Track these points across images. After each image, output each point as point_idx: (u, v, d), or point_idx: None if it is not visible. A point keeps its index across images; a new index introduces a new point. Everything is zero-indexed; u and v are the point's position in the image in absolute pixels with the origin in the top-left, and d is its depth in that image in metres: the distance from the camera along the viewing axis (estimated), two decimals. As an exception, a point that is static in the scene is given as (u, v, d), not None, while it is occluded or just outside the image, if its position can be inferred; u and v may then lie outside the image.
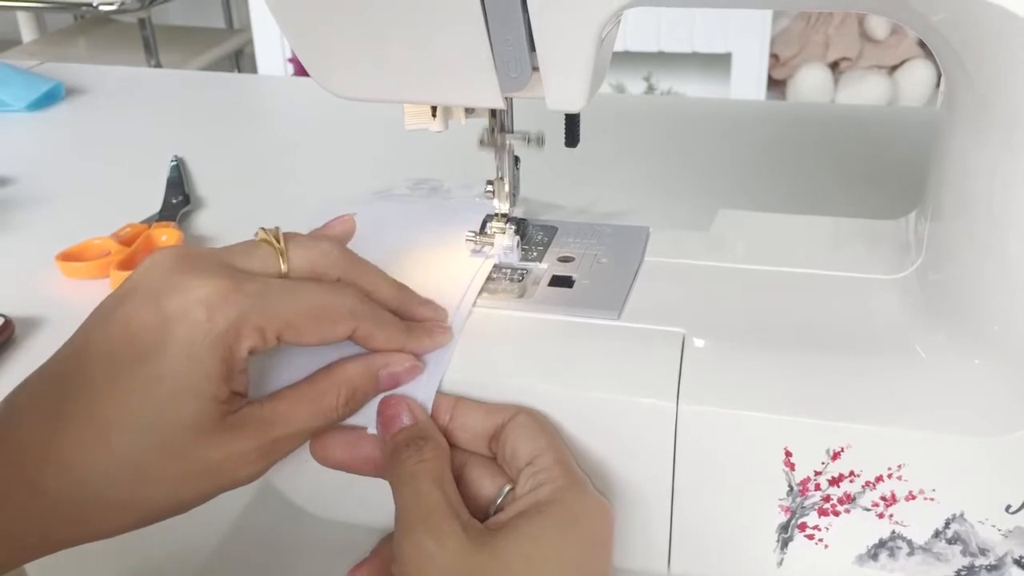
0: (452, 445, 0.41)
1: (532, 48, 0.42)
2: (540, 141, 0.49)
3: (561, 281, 0.48)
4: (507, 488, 0.40)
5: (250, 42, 2.40)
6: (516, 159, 0.51)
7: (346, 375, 0.41)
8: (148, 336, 0.36)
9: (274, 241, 0.41)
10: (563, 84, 0.42)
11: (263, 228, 0.42)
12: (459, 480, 0.41)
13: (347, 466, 0.43)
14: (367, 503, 0.45)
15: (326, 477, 0.44)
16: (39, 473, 0.35)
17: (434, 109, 0.49)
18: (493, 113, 0.49)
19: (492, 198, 0.52)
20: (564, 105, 0.43)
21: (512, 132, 0.50)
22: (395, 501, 0.38)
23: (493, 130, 0.49)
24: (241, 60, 2.84)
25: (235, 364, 0.37)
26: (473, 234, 0.51)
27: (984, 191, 0.40)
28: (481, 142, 0.50)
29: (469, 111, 0.49)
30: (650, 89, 2.22)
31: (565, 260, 0.50)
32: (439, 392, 0.43)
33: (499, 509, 0.40)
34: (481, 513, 0.39)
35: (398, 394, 0.42)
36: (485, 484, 0.41)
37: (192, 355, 0.36)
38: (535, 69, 0.43)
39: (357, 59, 0.44)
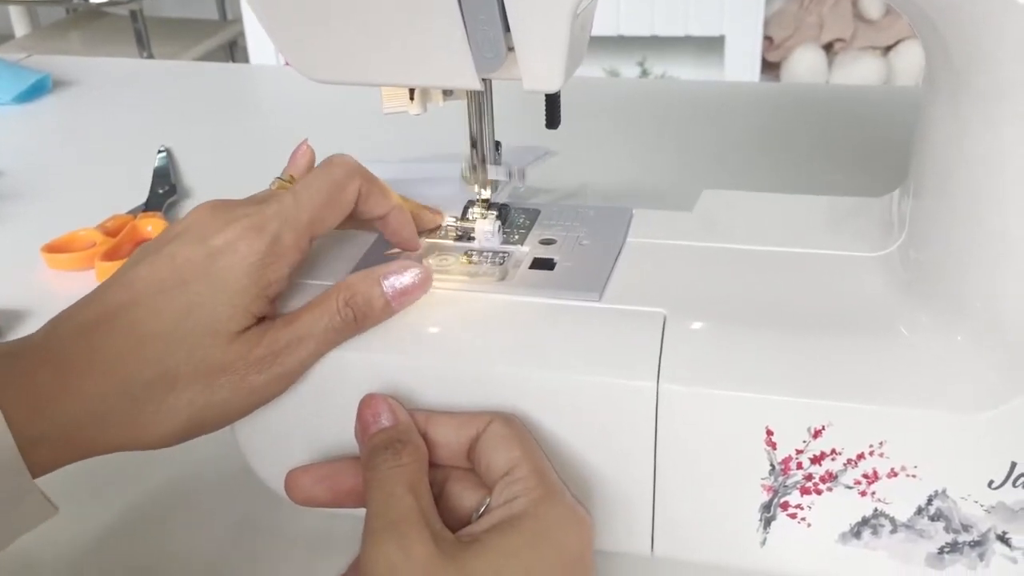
0: (430, 463, 0.41)
1: (507, 28, 0.41)
2: (522, 176, 0.50)
3: (542, 263, 0.48)
4: (488, 501, 0.39)
5: (243, 33, 2.39)
6: (497, 144, 0.51)
7: (346, 281, 0.43)
8: (193, 266, 0.40)
9: (290, 186, 0.44)
10: (539, 64, 0.42)
11: (279, 177, 0.45)
12: (440, 495, 0.41)
13: (329, 502, 0.43)
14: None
15: (300, 462, 0.44)
16: (81, 379, 0.38)
17: (412, 92, 0.49)
18: (471, 95, 0.49)
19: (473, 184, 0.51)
20: (540, 85, 0.43)
21: (497, 164, 0.50)
22: (367, 505, 0.38)
23: (475, 167, 0.50)
24: (235, 51, 2.83)
25: (272, 288, 0.41)
26: (454, 219, 0.51)
27: (963, 167, 0.40)
28: (463, 177, 0.50)
29: (447, 93, 0.49)
30: (644, 73, 2.21)
31: (547, 242, 0.50)
32: (411, 409, 0.42)
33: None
34: (462, 527, 0.39)
35: (379, 394, 0.42)
36: (466, 497, 0.41)
37: (233, 277, 0.40)
38: (511, 49, 0.42)
39: (331, 42, 0.44)
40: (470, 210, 0.51)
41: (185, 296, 0.40)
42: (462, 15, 0.41)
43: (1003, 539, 0.40)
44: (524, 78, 0.43)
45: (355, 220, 0.46)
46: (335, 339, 0.42)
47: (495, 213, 0.50)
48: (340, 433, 0.44)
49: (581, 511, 0.39)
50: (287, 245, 0.41)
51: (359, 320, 0.43)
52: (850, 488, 0.40)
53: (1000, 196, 0.39)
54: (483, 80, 0.44)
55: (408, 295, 0.44)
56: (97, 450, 0.40)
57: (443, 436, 0.41)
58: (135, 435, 0.40)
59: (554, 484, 0.39)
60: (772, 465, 0.40)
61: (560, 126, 0.49)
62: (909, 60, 2.16)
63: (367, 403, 0.42)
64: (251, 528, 0.49)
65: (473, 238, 0.50)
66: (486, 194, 0.51)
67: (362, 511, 0.38)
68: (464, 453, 0.41)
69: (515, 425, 0.41)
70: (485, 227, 0.50)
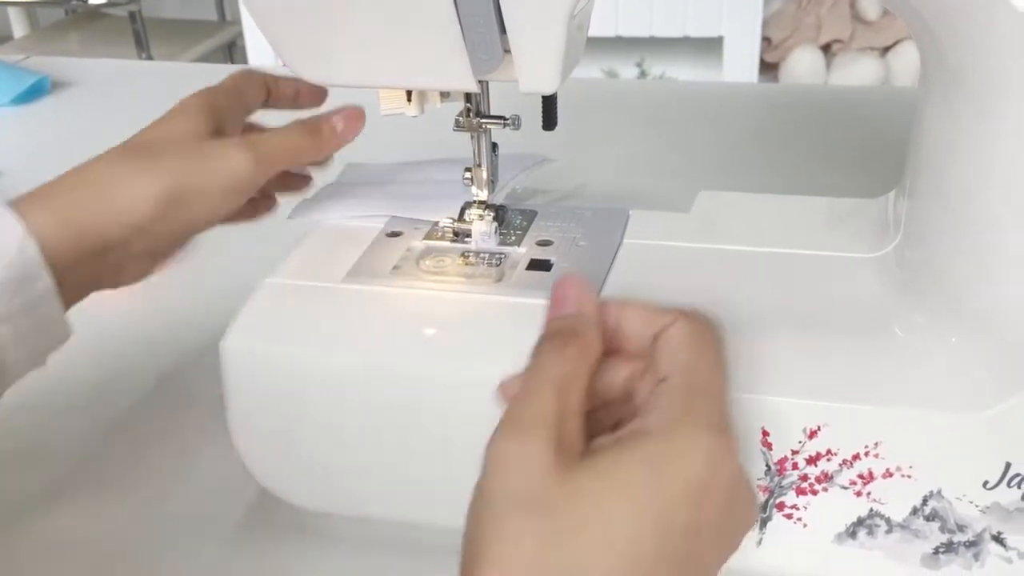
0: (617, 352, 0.37)
1: (503, 30, 0.42)
2: (516, 124, 0.49)
3: (539, 265, 0.48)
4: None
5: (242, 34, 2.39)
6: (494, 145, 0.51)
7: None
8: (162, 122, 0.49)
9: None
10: (535, 66, 0.42)
11: None
12: (620, 392, 0.37)
13: None
14: (338, 490, 0.45)
15: (296, 463, 0.44)
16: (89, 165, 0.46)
17: (409, 93, 0.49)
18: (468, 97, 0.49)
19: (471, 185, 0.51)
20: (537, 87, 0.43)
21: (487, 116, 0.49)
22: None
23: (468, 112, 0.49)
24: (234, 52, 2.83)
25: (220, 114, 0.49)
26: (451, 220, 0.51)
27: (957, 168, 0.40)
28: (457, 123, 0.50)
29: (445, 95, 0.49)
30: (642, 74, 2.22)
31: (544, 244, 0.50)
32: (603, 296, 0.41)
33: None
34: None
35: (577, 278, 0.38)
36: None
37: (186, 111, 0.49)
38: (507, 51, 0.42)
39: (329, 45, 0.44)
40: (467, 211, 0.51)
41: (156, 126, 0.49)
42: (458, 17, 0.41)
43: (998, 539, 0.40)
44: (520, 80, 0.43)
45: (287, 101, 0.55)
46: (299, 144, 0.50)
47: (492, 214, 0.51)
48: (339, 436, 0.44)
49: (728, 441, 0.33)
50: (222, 92, 0.51)
51: (317, 133, 0.50)
52: (846, 488, 0.40)
53: (993, 196, 0.39)
54: (480, 82, 0.45)
55: (351, 120, 0.51)
56: (96, 223, 0.44)
57: (631, 328, 0.37)
58: (128, 192, 0.45)
59: (701, 407, 0.34)
60: (768, 466, 0.40)
61: (558, 127, 0.49)
62: (907, 61, 2.16)
63: (560, 284, 0.39)
64: (249, 528, 0.49)
65: (469, 239, 0.50)
66: (483, 195, 0.51)
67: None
68: (648, 348, 0.37)
69: (699, 328, 0.36)
70: (481, 228, 0.50)
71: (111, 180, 0.45)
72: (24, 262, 0.43)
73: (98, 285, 0.47)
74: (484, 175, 0.51)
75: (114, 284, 0.48)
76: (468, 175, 0.51)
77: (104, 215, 0.44)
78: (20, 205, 0.43)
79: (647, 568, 0.31)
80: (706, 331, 0.37)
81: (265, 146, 0.48)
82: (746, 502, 0.34)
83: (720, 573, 0.43)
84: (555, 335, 0.37)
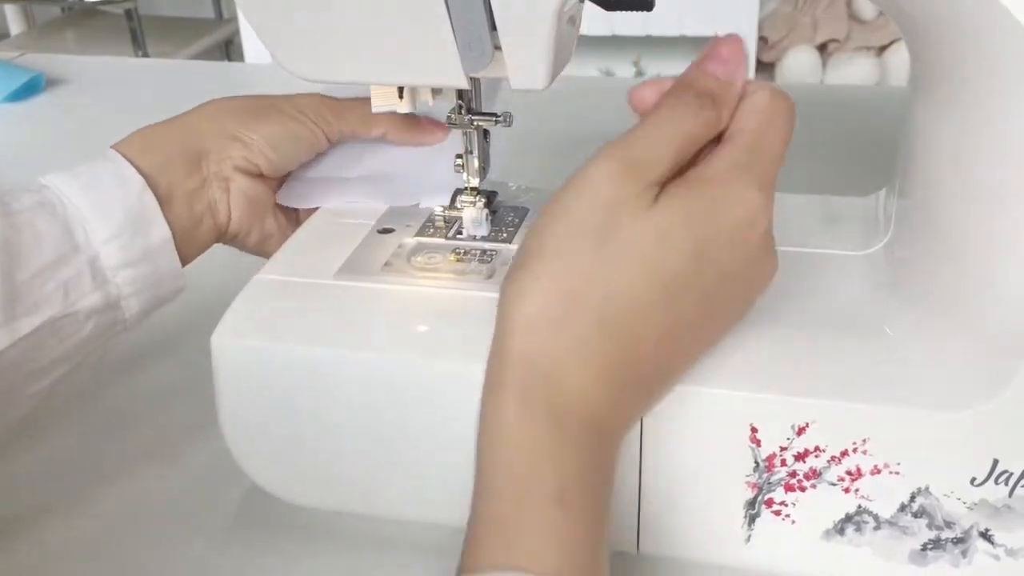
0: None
1: (493, 27, 0.42)
2: (508, 120, 0.49)
3: (530, 262, 0.48)
4: None
5: (239, 31, 2.39)
6: (486, 132, 0.51)
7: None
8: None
9: None
10: (525, 63, 0.42)
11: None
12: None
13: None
14: (328, 486, 0.45)
15: (287, 459, 0.44)
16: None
17: (401, 90, 0.49)
18: (460, 93, 0.49)
19: (462, 172, 0.51)
20: (527, 84, 0.43)
21: (479, 112, 0.49)
22: (640, 120, 0.38)
23: (460, 109, 0.49)
24: (231, 50, 2.83)
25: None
26: (442, 208, 0.51)
27: (944, 167, 0.40)
28: (449, 119, 0.50)
29: (436, 91, 0.49)
30: (639, 74, 2.21)
31: (535, 241, 0.50)
32: None
33: None
34: None
35: (743, 43, 0.39)
36: None
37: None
38: (498, 48, 0.42)
39: (321, 42, 0.44)
40: (458, 198, 0.51)
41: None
42: (449, 14, 0.41)
43: (986, 536, 0.40)
44: (511, 77, 0.43)
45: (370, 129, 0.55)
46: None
47: (483, 200, 0.51)
48: (330, 432, 0.44)
49: (771, 200, 0.38)
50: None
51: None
52: (834, 485, 0.40)
53: (979, 196, 0.39)
54: (471, 79, 0.45)
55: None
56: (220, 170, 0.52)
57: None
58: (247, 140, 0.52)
59: (758, 167, 0.37)
60: (756, 462, 0.41)
61: (552, 127, 0.49)
62: (903, 60, 2.16)
63: (728, 42, 0.39)
64: (239, 524, 0.49)
65: (462, 231, 0.50)
66: (475, 182, 0.51)
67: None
68: None
69: (779, 99, 0.38)
70: (472, 215, 0.50)
71: (236, 133, 0.52)
72: (143, 209, 0.47)
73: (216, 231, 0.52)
74: (475, 163, 0.51)
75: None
76: (459, 162, 0.51)
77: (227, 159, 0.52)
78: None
79: (675, 293, 0.36)
80: (783, 103, 0.38)
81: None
82: (769, 262, 0.39)
83: (709, 570, 0.43)
84: (703, 93, 0.38)
